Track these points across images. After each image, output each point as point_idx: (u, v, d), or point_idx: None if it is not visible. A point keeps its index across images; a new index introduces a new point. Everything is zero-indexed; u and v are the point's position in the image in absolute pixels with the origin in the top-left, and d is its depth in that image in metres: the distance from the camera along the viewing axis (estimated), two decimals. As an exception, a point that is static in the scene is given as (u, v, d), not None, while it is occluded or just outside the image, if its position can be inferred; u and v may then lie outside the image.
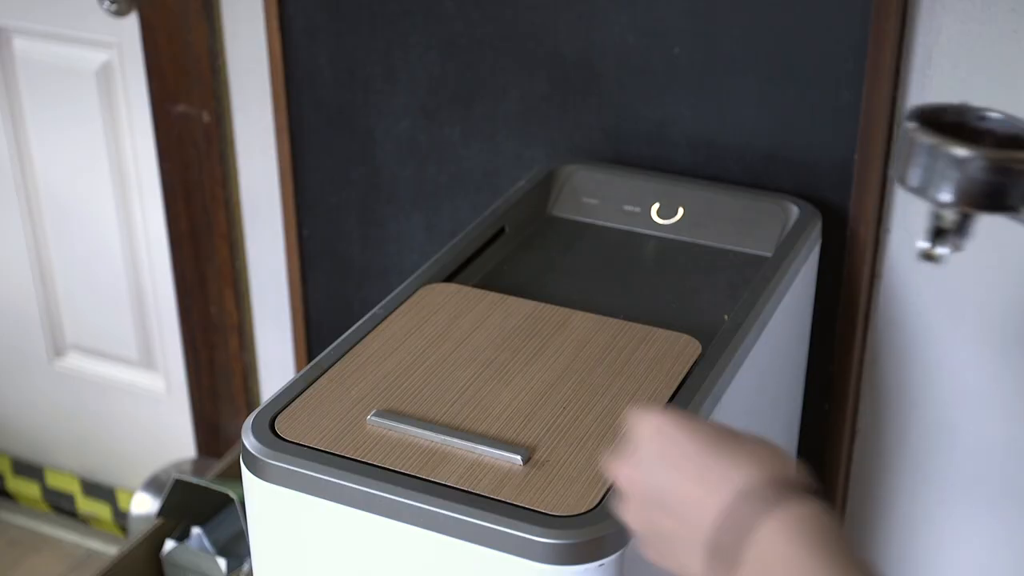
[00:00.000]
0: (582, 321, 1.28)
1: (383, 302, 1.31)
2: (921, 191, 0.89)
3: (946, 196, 0.85)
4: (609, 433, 1.10)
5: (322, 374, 1.18)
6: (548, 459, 1.06)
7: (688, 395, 1.16)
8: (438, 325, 1.27)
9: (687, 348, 1.23)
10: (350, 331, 1.25)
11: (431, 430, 1.09)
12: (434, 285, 1.35)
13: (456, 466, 1.05)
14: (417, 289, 1.33)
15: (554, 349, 1.23)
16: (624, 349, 1.23)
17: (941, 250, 0.91)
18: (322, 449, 1.08)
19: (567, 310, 1.30)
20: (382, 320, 1.27)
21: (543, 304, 1.31)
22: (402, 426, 1.10)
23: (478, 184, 1.77)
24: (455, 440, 1.07)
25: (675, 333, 1.25)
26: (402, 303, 1.31)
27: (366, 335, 1.25)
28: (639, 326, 1.27)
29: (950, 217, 0.91)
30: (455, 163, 1.77)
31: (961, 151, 0.85)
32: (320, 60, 1.79)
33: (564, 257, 1.52)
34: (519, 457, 1.06)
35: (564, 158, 1.67)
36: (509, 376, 1.19)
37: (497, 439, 1.09)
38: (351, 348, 1.22)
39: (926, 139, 0.86)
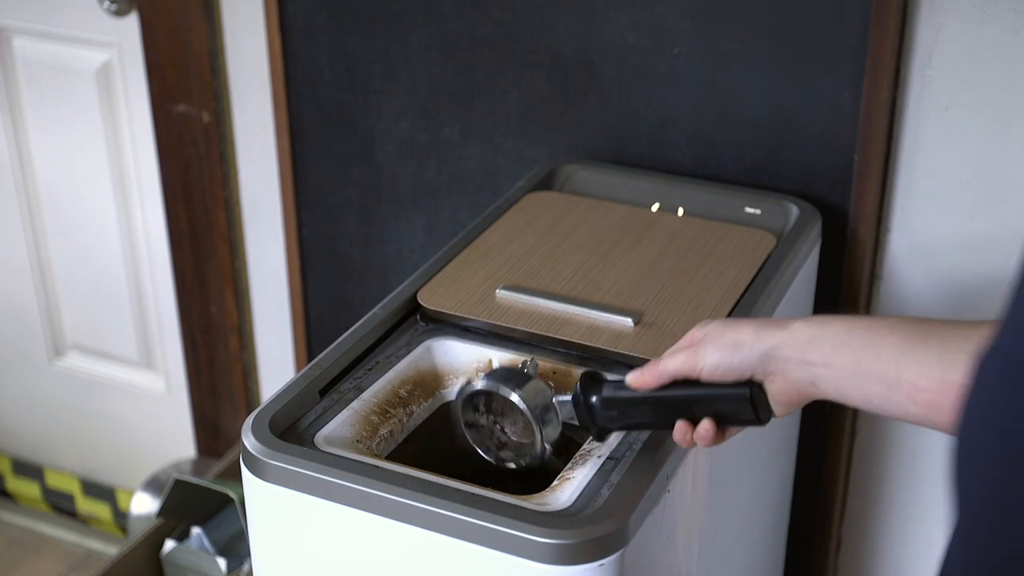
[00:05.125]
0: (670, 220, 1.49)
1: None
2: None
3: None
4: (706, 303, 1.30)
5: (454, 258, 1.37)
6: (655, 321, 1.25)
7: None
8: (545, 223, 1.47)
9: (763, 241, 1.43)
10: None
11: (553, 299, 1.28)
12: (536, 193, 1.55)
13: (576, 328, 1.24)
14: (520, 198, 1.53)
15: (649, 240, 1.43)
16: (709, 240, 1.43)
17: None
18: (462, 315, 1.27)
19: (657, 212, 1.51)
20: (494, 221, 1.47)
21: (635, 207, 1.52)
22: (527, 297, 1.29)
23: (478, 184, 1.77)
24: (574, 308, 1.27)
25: (751, 228, 1.46)
26: (509, 208, 1.50)
27: (481, 233, 1.44)
28: (721, 223, 1.48)
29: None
30: (455, 163, 1.77)
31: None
32: (320, 60, 1.79)
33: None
34: (631, 320, 1.24)
35: (564, 158, 1.67)
36: (614, 260, 1.38)
37: (610, 306, 1.28)
38: (471, 242, 1.42)
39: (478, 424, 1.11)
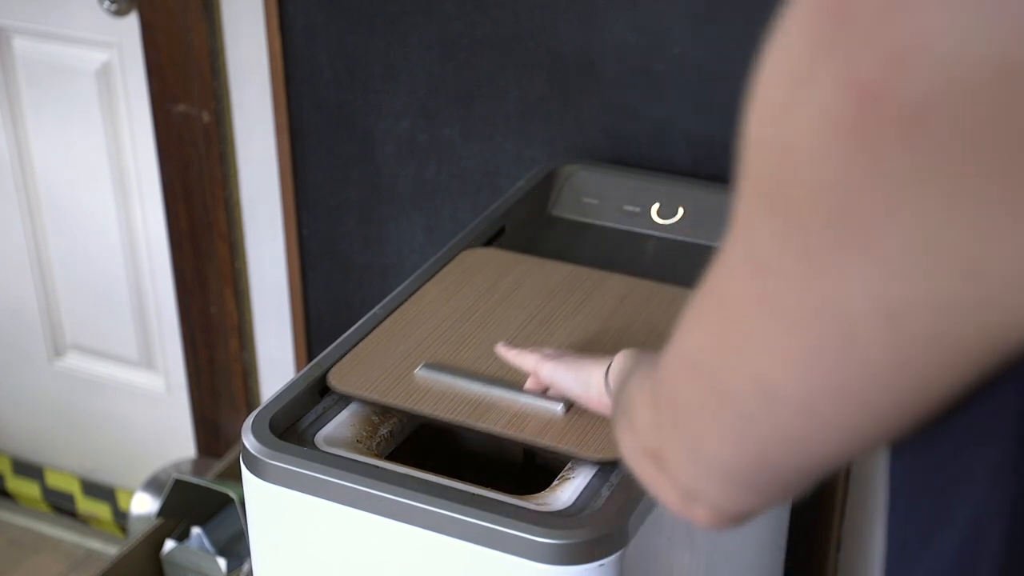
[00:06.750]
0: (617, 282, 1.34)
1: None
2: None
3: None
4: None
5: (372, 331, 1.24)
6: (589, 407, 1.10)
7: None
8: (480, 286, 1.34)
9: None
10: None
11: (477, 381, 1.15)
12: (473, 250, 1.41)
13: (501, 415, 1.11)
14: (457, 254, 1.39)
15: (592, 306, 1.29)
16: (658, 307, 1.29)
17: None
18: (374, 400, 1.15)
19: (603, 272, 1.35)
20: (426, 282, 1.34)
21: (579, 267, 1.37)
22: (449, 377, 1.16)
23: (478, 184, 1.77)
24: (500, 390, 1.13)
25: None
26: (443, 267, 1.37)
27: (410, 296, 1.31)
28: (673, 287, 1.32)
29: None
30: (455, 163, 1.77)
31: None
32: (320, 60, 1.79)
33: (564, 257, 1.52)
34: (560, 406, 1.10)
35: (564, 158, 1.67)
36: (551, 331, 1.25)
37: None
38: (398, 307, 1.29)
39: None
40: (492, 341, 1.21)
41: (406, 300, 1.30)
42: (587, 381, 1.04)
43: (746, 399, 0.51)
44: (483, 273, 1.35)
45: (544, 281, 1.34)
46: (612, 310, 1.28)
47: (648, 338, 1.22)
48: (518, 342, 1.21)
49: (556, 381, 1.08)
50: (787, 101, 0.46)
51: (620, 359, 0.98)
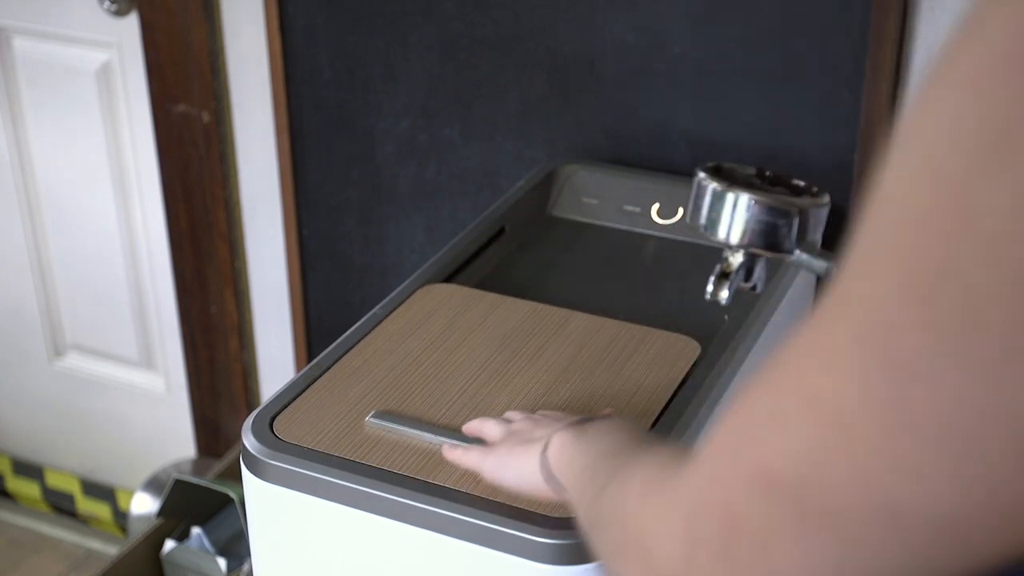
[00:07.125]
0: (581, 322, 1.27)
1: (382, 303, 1.32)
2: (710, 231, 1.03)
3: (732, 237, 1.01)
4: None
5: (321, 375, 1.18)
6: None
7: (688, 395, 1.15)
8: (437, 326, 1.27)
9: (686, 349, 1.23)
10: (349, 332, 1.26)
11: (429, 431, 1.09)
12: (433, 286, 1.34)
13: (455, 468, 1.05)
14: (416, 290, 1.33)
15: (553, 350, 1.23)
16: (624, 350, 1.23)
17: (724, 293, 1.05)
18: (321, 451, 1.08)
19: (566, 311, 1.29)
20: (381, 321, 1.27)
21: (542, 305, 1.30)
22: (400, 427, 1.10)
23: (478, 184, 1.77)
24: (453, 442, 1.07)
25: (674, 334, 1.25)
26: (401, 304, 1.30)
27: (365, 336, 1.24)
28: (638, 327, 1.26)
29: (735, 260, 1.07)
30: (455, 163, 1.77)
31: (744, 195, 1.01)
32: (320, 60, 1.79)
33: (564, 257, 1.52)
34: None
35: (564, 158, 1.67)
36: (508, 377, 1.18)
37: None
38: (350, 349, 1.22)
39: (715, 185, 1.03)
40: (447, 387, 1.16)
41: (360, 340, 1.23)
42: (520, 473, 0.96)
43: (861, 525, 0.42)
44: (441, 312, 1.28)
45: (504, 321, 1.27)
46: (574, 354, 1.22)
47: (612, 385, 1.16)
48: (473, 391, 1.16)
49: (497, 481, 1.00)
50: (972, 173, 0.38)
51: (560, 446, 0.89)
